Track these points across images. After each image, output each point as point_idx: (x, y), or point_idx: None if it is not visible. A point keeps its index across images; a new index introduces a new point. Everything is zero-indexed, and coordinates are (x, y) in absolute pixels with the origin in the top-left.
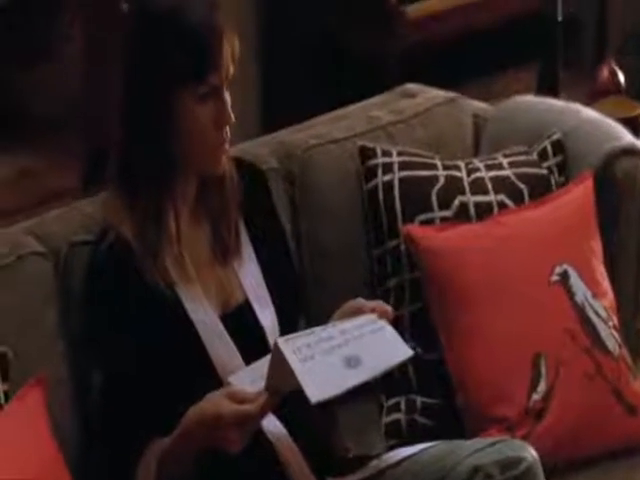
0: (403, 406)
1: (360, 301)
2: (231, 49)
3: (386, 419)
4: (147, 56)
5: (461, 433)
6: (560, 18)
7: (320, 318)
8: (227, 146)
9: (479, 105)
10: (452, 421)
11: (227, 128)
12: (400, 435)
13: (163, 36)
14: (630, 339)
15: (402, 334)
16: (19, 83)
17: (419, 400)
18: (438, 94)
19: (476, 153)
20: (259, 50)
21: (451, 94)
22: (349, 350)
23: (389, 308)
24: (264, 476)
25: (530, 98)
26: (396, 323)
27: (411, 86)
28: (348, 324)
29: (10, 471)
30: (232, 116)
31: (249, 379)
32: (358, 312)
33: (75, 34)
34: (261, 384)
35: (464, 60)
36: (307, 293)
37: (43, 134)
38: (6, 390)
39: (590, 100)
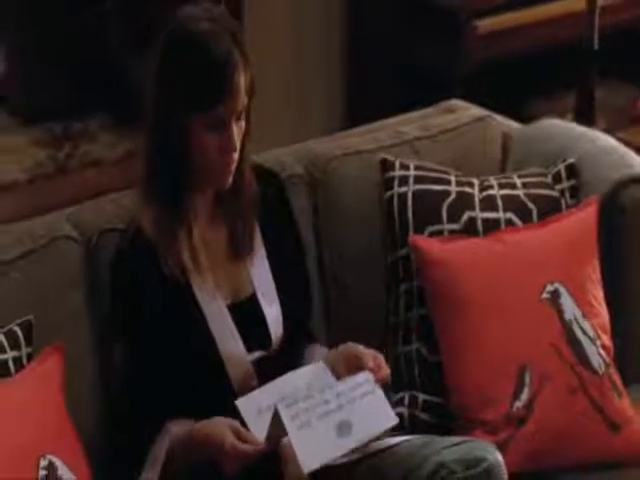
0: (406, 401)
1: (359, 349)
2: (246, 81)
3: None
4: (166, 82)
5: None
6: (597, 46)
7: (338, 318)
8: (233, 167)
9: (510, 124)
10: (450, 418)
11: (234, 154)
12: (402, 428)
13: (181, 68)
14: (636, 361)
15: (410, 336)
16: (133, 68)
17: (421, 397)
18: (472, 112)
19: (504, 171)
20: (343, 60)
21: (484, 113)
22: (342, 416)
23: (387, 372)
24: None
25: (555, 121)
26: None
27: (455, 102)
28: (343, 386)
29: (19, 428)
30: (237, 145)
31: (256, 408)
32: (355, 361)
33: None
34: (267, 416)
35: (533, 76)
36: (327, 293)
37: None
38: (29, 353)
39: (628, 126)
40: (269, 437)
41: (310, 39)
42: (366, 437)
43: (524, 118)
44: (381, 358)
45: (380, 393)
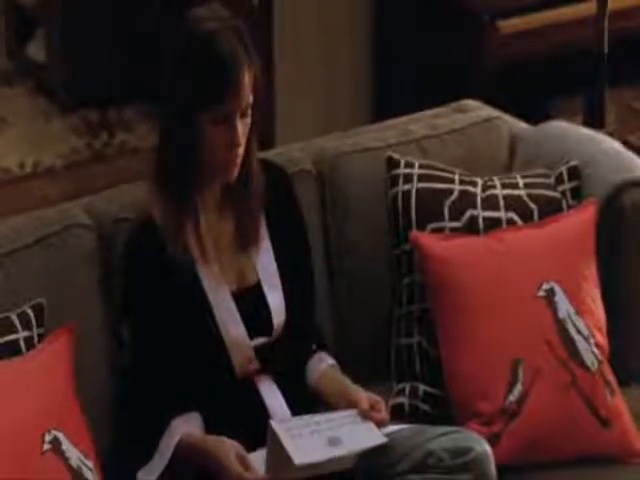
0: (407, 392)
1: (360, 396)
2: (250, 79)
3: (392, 401)
4: (175, 80)
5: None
6: (606, 51)
7: (344, 309)
8: (238, 161)
9: (518, 125)
10: (449, 410)
11: (238, 149)
12: (402, 417)
13: (187, 66)
14: (634, 360)
15: (412, 328)
16: None
17: (422, 388)
18: (482, 112)
19: (510, 172)
20: (369, 60)
21: (494, 113)
22: (332, 433)
23: (383, 416)
24: None
25: (561, 123)
26: None
27: (467, 102)
28: (335, 415)
29: (26, 403)
30: (241, 140)
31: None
32: (355, 405)
33: None
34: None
35: (552, 77)
36: (333, 285)
37: None
38: (40, 333)
39: (638, 130)
40: (268, 469)
41: (337, 40)
42: (356, 448)
43: (543, 118)
44: (381, 404)
45: (368, 422)
